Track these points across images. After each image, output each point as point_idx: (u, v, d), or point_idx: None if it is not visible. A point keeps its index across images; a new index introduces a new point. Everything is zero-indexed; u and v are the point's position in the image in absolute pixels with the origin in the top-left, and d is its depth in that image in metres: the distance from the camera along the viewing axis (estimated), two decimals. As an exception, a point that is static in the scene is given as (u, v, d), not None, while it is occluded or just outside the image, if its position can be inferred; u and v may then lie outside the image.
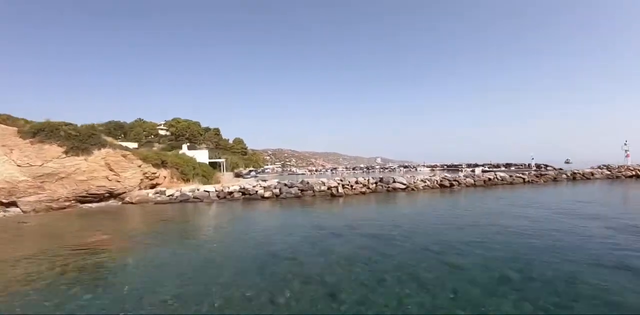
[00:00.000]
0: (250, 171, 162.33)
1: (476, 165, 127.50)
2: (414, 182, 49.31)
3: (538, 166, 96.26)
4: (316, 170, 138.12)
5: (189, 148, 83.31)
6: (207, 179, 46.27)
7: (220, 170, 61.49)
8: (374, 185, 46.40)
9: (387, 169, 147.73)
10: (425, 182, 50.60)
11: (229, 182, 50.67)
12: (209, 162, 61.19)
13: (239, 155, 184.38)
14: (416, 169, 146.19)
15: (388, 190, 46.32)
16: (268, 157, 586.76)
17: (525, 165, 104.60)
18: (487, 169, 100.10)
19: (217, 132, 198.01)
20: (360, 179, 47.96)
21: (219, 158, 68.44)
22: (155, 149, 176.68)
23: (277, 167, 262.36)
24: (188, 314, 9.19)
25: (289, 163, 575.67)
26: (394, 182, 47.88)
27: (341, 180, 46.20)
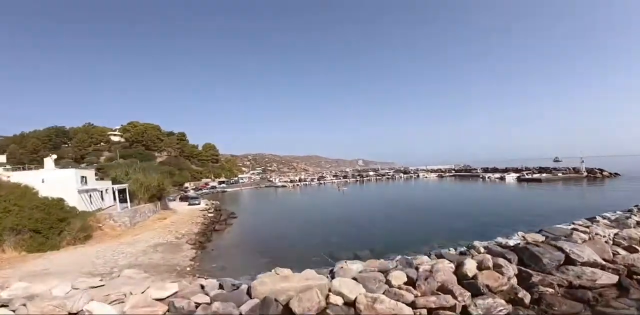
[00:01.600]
0: (221, 183, 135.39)
1: (496, 170, 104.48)
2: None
3: (590, 171, 73.36)
4: (299, 182, 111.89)
5: (79, 162, 54.09)
6: (43, 239, 19.29)
7: (126, 198, 32.81)
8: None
9: (384, 175, 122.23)
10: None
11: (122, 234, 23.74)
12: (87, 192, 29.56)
13: (207, 164, 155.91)
14: (418, 175, 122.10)
15: None
16: (248, 162, 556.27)
17: (570, 169, 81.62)
18: (526, 176, 76.22)
19: (181, 137, 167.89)
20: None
21: (122, 180, 35.73)
22: (103, 158, 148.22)
23: (254, 176, 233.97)
24: None
25: (269, 168, 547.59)
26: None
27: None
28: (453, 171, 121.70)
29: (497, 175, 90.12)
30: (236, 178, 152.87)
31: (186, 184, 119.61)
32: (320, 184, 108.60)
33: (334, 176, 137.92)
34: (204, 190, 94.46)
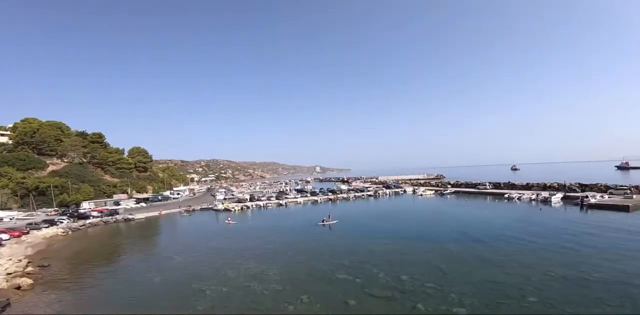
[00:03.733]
0: (143, 200, 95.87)
1: (513, 186, 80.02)
2: None
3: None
4: (251, 201, 79.79)
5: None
6: None
7: None
8: None
9: (362, 192, 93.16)
10: None
11: None
12: None
13: (128, 174, 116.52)
14: (405, 191, 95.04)
15: None
16: (201, 169, 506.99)
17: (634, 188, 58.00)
18: (596, 199, 50.90)
19: (97, 138, 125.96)
20: None
21: None
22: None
23: (201, 187, 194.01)
24: None
25: (223, 174, 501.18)
26: None
27: None
28: (449, 186, 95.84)
29: (529, 194, 65.03)
30: (167, 193, 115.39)
31: (85, 204, 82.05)
32: (281, 205, 77.05)
33: (297, 191, 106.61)
34: (88, 221, 58.84)
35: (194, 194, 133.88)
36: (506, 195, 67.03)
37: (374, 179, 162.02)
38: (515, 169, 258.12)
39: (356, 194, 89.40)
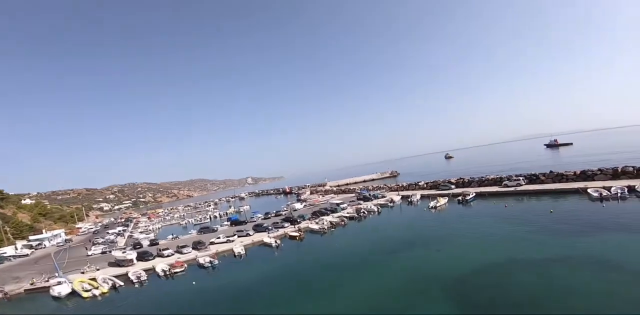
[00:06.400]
0: None
1: (561, 177, 54.04)
2: None
3: None
4: (141, 258, 41.73)
5: None
6: None
7: None
8: None
9: (332, 212, 60.95)
10: None
11: None
12: None
13: None
14: (392, 201, 64.83)
15: None
16: (112, 196, 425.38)
17: None
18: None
19: None
20: None
21: None
22: None
23: (91, 227, 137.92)
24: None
25: (142, 199, 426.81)
26: None
27: None
28: (452, 186, 67.60)
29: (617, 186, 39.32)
30: (7, 249, 69.01)
31: None
32: (202, 265, 39.77)
33: (231, 222, 69.26)
34: None
35: (71, 240, 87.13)
36: (597, 194, 40.57)
37: (324, 187, 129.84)
38: (450, 157, 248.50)
39: (327, 218, 55.62)
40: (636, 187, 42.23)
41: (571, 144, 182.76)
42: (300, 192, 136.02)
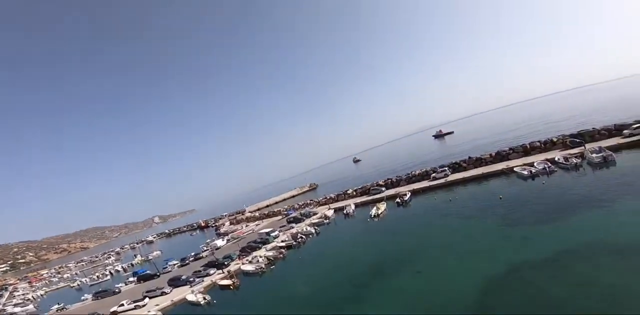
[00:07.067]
0: None
1: (481, 161, 54.37)
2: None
3: None
4: None
5: None
6: None
7: None
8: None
9: (263, 244, 52.20)
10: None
11: None
12: None
13: None
14: (326, 216, 59.04)
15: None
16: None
17: None
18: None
19: None
20: None
21: None
22: None
23: None
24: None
25: (22, 260, 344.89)
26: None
27: None
28: (383, 189, 64.24)
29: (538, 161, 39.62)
30: None
31: None
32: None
33: (137, 279, 54.66)
34: None
35: None
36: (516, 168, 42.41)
37: (244, 214, 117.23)
38: (357, 160, 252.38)
39: (260, 253, 46.18)
40: (556, 158, 43.92)
41: (452, 132, 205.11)
42: (217, 224, 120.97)
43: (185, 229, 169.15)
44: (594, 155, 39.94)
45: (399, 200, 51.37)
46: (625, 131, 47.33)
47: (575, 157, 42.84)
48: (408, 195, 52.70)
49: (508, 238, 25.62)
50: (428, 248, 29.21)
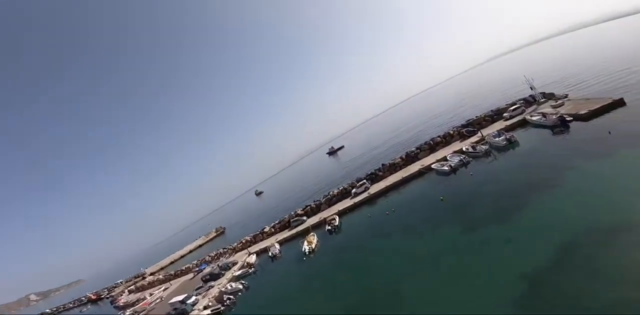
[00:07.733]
0: None
1: (395, 167, 52.41)
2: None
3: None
4: None
5: None
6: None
7: None
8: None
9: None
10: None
11: None
12: None
13: None
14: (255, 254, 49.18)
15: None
16: None
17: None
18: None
19: None
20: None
21: None
22: None
23: None
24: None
25: None
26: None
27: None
28: (304, 218, 57.27)
29: (449, 155, 39.16)
30: None
31: None
32: None
33: None
34: None
35: None
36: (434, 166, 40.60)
37: (145, 279, 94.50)
38: (260, 193, 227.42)
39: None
40: (463, 148, 44.60)
41: (343, 146, 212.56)
42: (114, 294, 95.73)
43: (71, 305, 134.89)
44: (496, 139, 41.27)
45: (330, 227, 45.11)
46: (505, 114, 51.84)
47: (481, 144, 43.97)
48: (337, 219, 47.03)
49: (486, 243, 21.56)
50: (399, 282, 23.17)
